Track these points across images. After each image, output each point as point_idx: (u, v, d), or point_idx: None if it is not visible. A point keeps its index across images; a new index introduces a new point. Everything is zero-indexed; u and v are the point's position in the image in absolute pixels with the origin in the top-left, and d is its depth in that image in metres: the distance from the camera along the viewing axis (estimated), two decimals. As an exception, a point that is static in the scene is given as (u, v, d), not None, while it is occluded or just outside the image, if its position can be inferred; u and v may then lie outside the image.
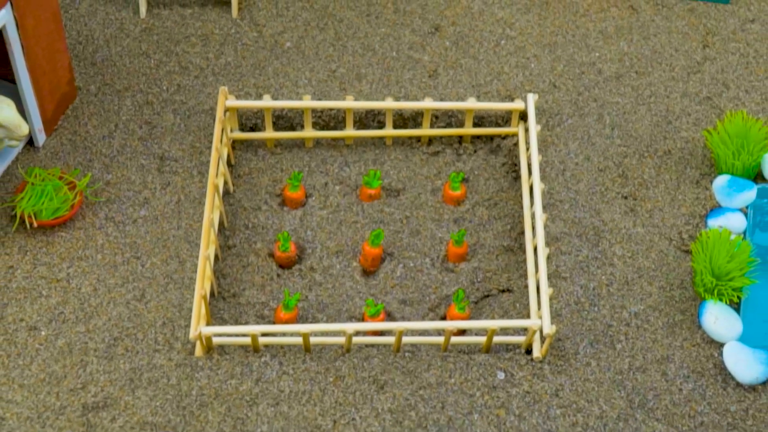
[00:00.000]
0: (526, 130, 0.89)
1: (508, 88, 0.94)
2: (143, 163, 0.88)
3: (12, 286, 0.80)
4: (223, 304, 0.80)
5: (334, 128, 0.91)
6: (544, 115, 0.92)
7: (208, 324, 0.76)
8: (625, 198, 0.87)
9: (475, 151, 0.90)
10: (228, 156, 0.88)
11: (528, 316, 0.79)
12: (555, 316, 0.79)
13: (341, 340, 0.75)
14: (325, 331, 0.75)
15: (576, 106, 0.93)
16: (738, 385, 0.76)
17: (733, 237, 0.81)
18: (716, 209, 0.86)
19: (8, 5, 0.78)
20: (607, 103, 0.93)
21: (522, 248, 0.83)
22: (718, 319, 0.78)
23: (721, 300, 0.79)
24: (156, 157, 0.88)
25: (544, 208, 0.85)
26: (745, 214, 0.85)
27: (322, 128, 0.91)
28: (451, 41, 0.98)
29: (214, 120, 0.90)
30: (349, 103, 0.87)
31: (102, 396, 0.73)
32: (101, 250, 0.82)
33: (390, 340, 0.76)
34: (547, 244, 0.83)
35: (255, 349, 0.75)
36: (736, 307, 0.80)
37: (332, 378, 0.73)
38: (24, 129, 0.84)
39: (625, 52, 0.99)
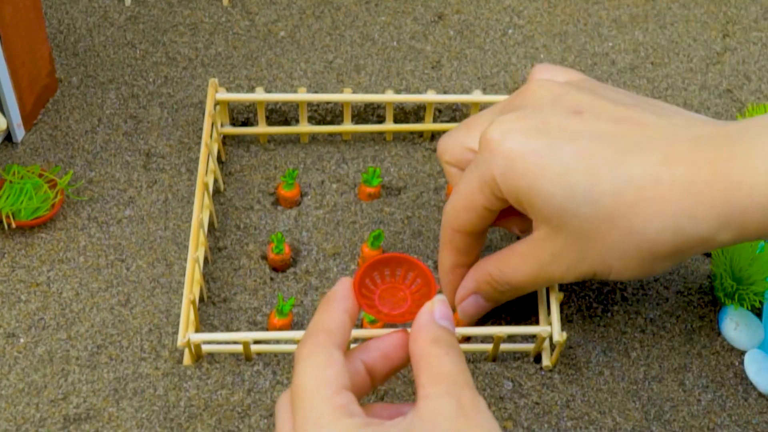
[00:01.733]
0: (535, 124, 0.88)
1: (515, 80, 0.94)
2: (128, 160, 0.87)
3: (-11, 290, 0.80)
4: (213, 310, 0.79)
5: (331, 123, 0.91)
6: (554, 108, 0.92)
7: (197, 331, 0.76)
8: (640, 197, 0.86)
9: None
10: (218, 152, 0.88)
11: (537, 323, 0.79)
12: (565, 322, 0.79)
13: (338, 348, 0.74)
14: (322, 339, 0.74)
15: (588, 100, 0.92)
16: (760, 395, 0.76)
17: (754, 238, 0.81)
18: (737, 209, 0.85)
19: (-15, -8, 0.78)
20: (620, 96, 0.93)
21: (530, 250, 0.83)
22: (739, 326, 0.78)
23: (742, 305, 0.79)
24: (142, 154, 0.88)
25: (554, 207, 0.84)
26: (768, 214, 0.84)
27: (319, 123, 0.91)
28: (455, 30, 0.98)
29: (203, 114, 0.90)
30: (346, 96, 0.87)
31: (84, 407, 0.73)
32: (83, 252, 0.82)
33: (390, 347, 0.76)
34: (558, 245, 0.82)
35: (247, 357, 0.75)
36: (758, 312, 0.80)
37: (329, 388, 0.72)
38: (1, 124, 0.84)
39: (641, 41, 0.99)
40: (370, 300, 0.60)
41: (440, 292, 0.66)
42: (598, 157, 0.62)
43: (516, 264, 0.69)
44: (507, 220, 0.74)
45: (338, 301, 0.59)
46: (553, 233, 0.65)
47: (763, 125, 0.61)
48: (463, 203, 0.69)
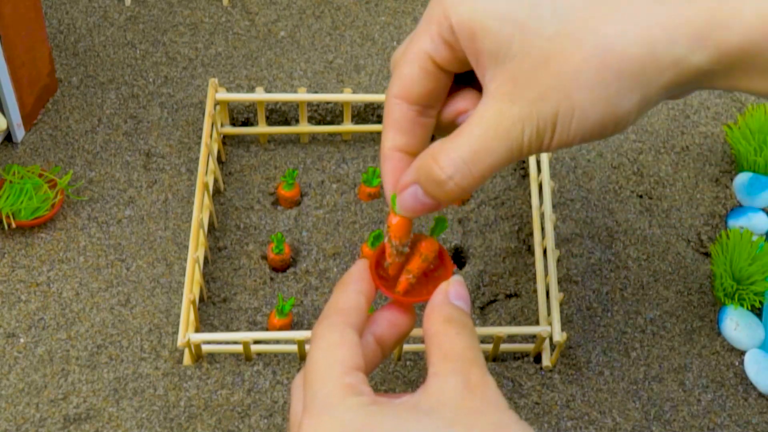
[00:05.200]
0: (535, 124, 0.88)
1: (515, 80, 0.94)
2: (128, 160, 0.87)
3: (-11, 290, 0.80)
4: (213, 310, 0.80)
5: (331, 123, 0.91)
6: (554, 108, 0.92)
7: (197, 331, 0.76)
8: (641, 197, 0.87)
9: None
10: (218, 152, 0.88)
11: (537, 323, 0.79)
12: (565, 322, 0.79)
13: (338, 348, 0.74)
14: (322, 339, 0.74)
15: (588, 99, 0.93)
16: (760, 395, 0.76)
17: (755, 238, 0.82)
18: (737, 209, 0.86)
19: (-15, -8, 0.78)
20: (620, 96, 0.93)
21: (530, 250, 0.83)
22: (739, 326, 0.78)
23: (742, 305, 0.79)
24: (142, 154, 0.88)
25: (554, 207, 0.85)
26: (768, 214, 0.85)
27: (319, 123, 0.91)
28: (455, 30, 0.98)
29: (203, 114, 0.90)
30: (347, 96, 0.87)
31: (84, 407, 0.73)
32: (83, 252, 0.82)
33: (390, 347, 0.76)
34: (557, 245, 0.83)
35: (247, 357, 0.76)
36: (758, 312, 0.80)
37: (329, 388, 0.73)
38: (1, 124, 0.85)
39: (640, 41, 0.98)
40: (387, 281, 0.60)
41: (456, 272, 0.66)
42: None
43: (472, 131, 0.56)
44: (453, 103, 0.62)
45: (354, 281, 0.59)
46: (511, 68, 0.56)
47: None
48: (407, 57, 0.59)
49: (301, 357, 0.76)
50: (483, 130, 0.56)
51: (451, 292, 0.58)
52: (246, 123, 0.91)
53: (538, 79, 0.55)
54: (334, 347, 0.55)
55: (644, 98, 0.55)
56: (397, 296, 0.60)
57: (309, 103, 0.89)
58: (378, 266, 0.60)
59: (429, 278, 0.61)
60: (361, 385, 0.53)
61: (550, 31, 0.54)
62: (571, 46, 0.54)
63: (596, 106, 0.55)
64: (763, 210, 0.85)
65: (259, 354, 0.76)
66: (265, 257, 0.82)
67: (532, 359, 0.77)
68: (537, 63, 0.55)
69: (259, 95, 0.86)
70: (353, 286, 0.59)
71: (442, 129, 0.62)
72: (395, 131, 0.61)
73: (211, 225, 0.84)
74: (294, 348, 0.75)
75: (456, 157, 0.56)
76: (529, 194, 0.86)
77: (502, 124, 0.55)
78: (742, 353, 0.78)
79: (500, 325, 0.79)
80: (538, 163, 0.86)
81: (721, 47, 0.53)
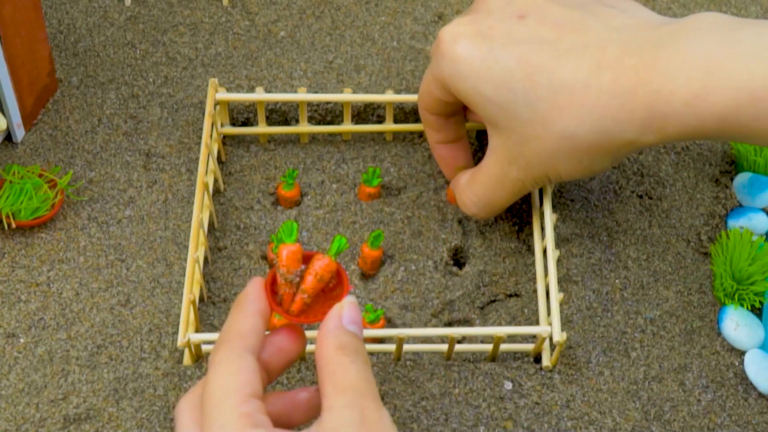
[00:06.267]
0: (535, 124, 0.88)
1: (515, 80, 0.94)
2: (128, 160, 0.87)
3: (-11, 290, 0.80)
4: (213, 310, 0.79)
5: (331, 123, 0.91)
6: (554, 108, 0.92)
7: (197, 331, 0.76)
8: (641, 197, 0.87)
9: (480, 148, 0.90)
10: (218, 152, 0.88)
11: (537, 323, 0.79)
12: (566, 322, 0.79)
13: (338, 348, 0.74)
14: (322, 339, 0.74)
15: (588, 100, 0.92)
16: (760, 395, 0.76)
17: (755, 238, 0.82)
18: (737, 209, 0.86)
19: (-15, -8, 0.78)
20: (620, 96, 0.93)
21: (530, 250, 0.83)
22: (739, 326, 0.78)
23: (742, 305, 0.79)
24: (142, 154, 0.88)
25: (554, 207, 0.85)
26: (768, 214, 0.85)
27: (319, 123, 0.91)
28: (455, 30, 0.98)
29: (203, 114, 0.90)
30: (346, 96, 0.87)
31: (84, 407, 0.73)
32: (83, 252, 0.82)
33: (390, 347, 0.76)
34: (557, 245, 0.82)
35: (247, 357, 0.75)
36: (758, 312, 0.80)
37: (329, 388, 0.72)
38: (1, 124, 0.85)
39: (640, 41, 0.98)
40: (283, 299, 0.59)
41: (352, 293, 0.65)
42: (536, 63, 0.67)
43: (483, 179, 0.75)
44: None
45: (250, 302, 0.58)
46: (504, 138, 0.71)
47: (695, 28, 0.64)
48: (425, 90, 0.76)
49: (301, 358, 0.75)
50: (491, 185, 0.74)
51: (345, 316, 0.57)
52: (246, 123, 0.91)
53: (524, 153, 0.70)
54: (232, 374, 0.54)
55: (614, 160, 0.70)
56: (290, 317, 0.58)
57: (309, 103, 0.89)
58: (274, 282, 0.59)
59: (326, 297, 0.59)
60: (259, 415, 0.53)
61: (524, 116, 0.68)
62: (543, 131, 0.68)
63: (576, 171, 0.70)
64: (763, 210, 0.85)
65: (259, 354, 0.76)
66: (265, 257, 0.82)
67: (532, 359, 0.77)
68: (520, 140, 0.69)
69: (259, 95, 0.86)
70: (251, 306, 0.58)
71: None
72: (433, 132, 0.80)
73: (211, 225, 0.84)
74: (294, 348, 0.75)
75: (476, 201, 0.77)
76: (529, 194, 0.86)
77: (505, 181, 0.73)
78: (742, 353, 0.78)
79: (500, 325, 0.79)
80: (538, 163, 0.86)
81: (664, 131, 0.65)
